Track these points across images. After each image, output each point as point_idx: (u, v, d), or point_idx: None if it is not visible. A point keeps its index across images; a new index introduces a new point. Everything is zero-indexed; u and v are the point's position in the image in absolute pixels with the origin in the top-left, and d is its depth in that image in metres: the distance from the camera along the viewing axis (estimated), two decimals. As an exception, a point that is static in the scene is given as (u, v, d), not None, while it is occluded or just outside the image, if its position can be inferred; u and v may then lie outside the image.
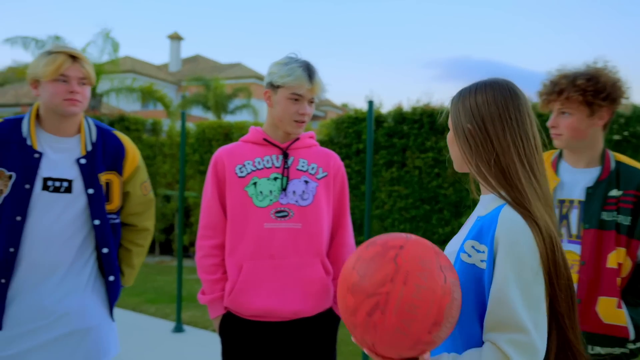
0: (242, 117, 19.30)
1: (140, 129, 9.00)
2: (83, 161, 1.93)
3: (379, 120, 6.52)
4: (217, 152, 2.07)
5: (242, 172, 2.00)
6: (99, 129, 2.02)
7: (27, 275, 1.88)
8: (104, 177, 1.97)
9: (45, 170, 1.89)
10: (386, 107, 7.59)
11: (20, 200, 1.85)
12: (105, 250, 1.97)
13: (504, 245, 1.13)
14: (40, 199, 1.87)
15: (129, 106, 14.76)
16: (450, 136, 1.32)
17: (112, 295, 2.03)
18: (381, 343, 1.07)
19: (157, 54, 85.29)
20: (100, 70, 11.52)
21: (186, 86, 25.79)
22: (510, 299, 1.10)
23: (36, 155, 1.88)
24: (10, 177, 1.86)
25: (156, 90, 13.29)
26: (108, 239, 1.98)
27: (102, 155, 1.98)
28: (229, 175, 2.01)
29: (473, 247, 1.19)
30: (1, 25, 72.65)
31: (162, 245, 9.33)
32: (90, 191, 1.92)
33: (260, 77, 26.75)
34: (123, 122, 8.80)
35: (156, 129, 9.23)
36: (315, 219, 2.01)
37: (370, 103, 3.93)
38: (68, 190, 1.91)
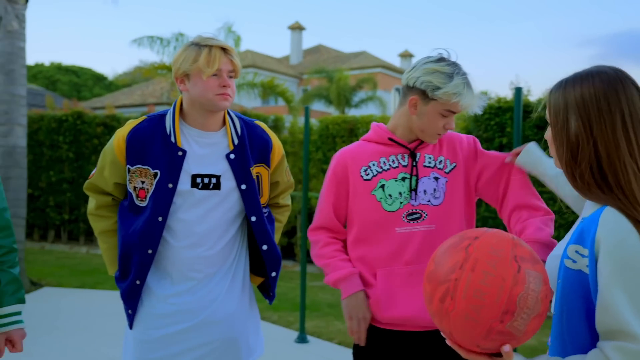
0: (367, 110, 19.41)
1: (261, 126, 9.39)
2: (232, 156, 1.99)
3: (527, 109, 6.16)
4: (339, 153, 2.09)
5: (367, 174, 2.01)
6: (243, 121, 2.07)
7: (167, 277, 1.99)
8: (254, 171, 2.02)
9: (193, 167, 1.95)
10: (535, 94, 7.14)
11: (163, 199, 1.92)
12: (265, 247, 2.04)
13: (606, 246, 1.14)
14: (188, 196, 1.94)
15: (250, 102, 15.52)
16: (549, 134, 1.32)
17: (273, 292, 2.16)
18: (455, 330, 1.17)
19: (277, 46, 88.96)
20: (222, 66, 12.25)
21: (308, 79, 26.50)
22: (615, 304, 1.11)
23: (180, 153, 1.94)
24: (155, 175, 1.94)
25: (277, 85, 13.82)
26: (267, 235, 2.05)
27: (250, 148, 2.03)
28: (354, 178, 2.02)
29: (577, 252, 1.20)
30: (129, 27, 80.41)
31: (284, 249, 9.66)
32: (243, 187, 1.97)
33: (387, 66, 26.70)
34: (244, 119, 9.26)
35: (278, 126, 9.58)
36: (450, 218, 1.98)
37: (518, 90, 3.72)
38: (217, 186, 1.96)
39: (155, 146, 1.95)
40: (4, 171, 6.36)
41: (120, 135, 1.99)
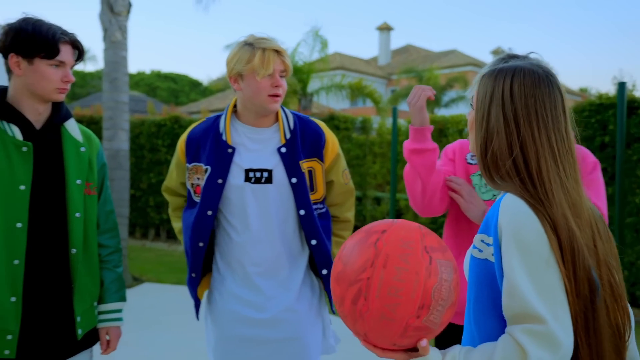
0: (457, 110, 18.98)
1: (349, 127, 9.44)
2: (284, 150, 2.04)
3: (632, 106, 5.77)
4: (451, 145, 2.10)
5: (472, 159, 2.01)
6: (297, 117, 2.13)
7: (232, 272, 2.07)
8: (305, 165, 2.05)
9: (246, 162, 2.04)
10: (641, 89, 6.65)
11: (212, 194, 2.02)
12: (314, 242, 2.06)
13: (508, 232, 1.14)
14: (242, 191, 2.02)
15: (338, 104, 15.65)
16: (472, 118, 1.31)
17: (329, 293, 2.09)
18: (371, 332, 1.12)
19: (365, 47, 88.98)
20: (310, 69, 12.44)
21: (397, 79, 26.33)
22: (520, 288, 1.11)
23: (229, 150, 2.03)
24: (206, 170, 2.05)
25: (365, 86, 13.82)
26: (316, 230, 2.05)
27: (302, 143, 2.07)
28: (458, 162, 2.03)
29: (482, 241, 1.21)
30: (221, 34, 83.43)
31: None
32: (294, 180, 2.01)
33: (478, 64, 25.97)
34: (333, 120, 9.33)
35: (366, 127, 9.59)
36: None
37: (621, 85, 3.50)
38: (269, 180, 2.02)
39: (207, 144, 2.06)
40: (109, 173, 6.82)
41: (182, 137, 2.15)
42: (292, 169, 2.02)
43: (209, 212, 2.03)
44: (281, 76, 2.02)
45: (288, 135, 2.06)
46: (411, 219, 7.68)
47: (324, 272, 2.08)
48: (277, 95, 2.00)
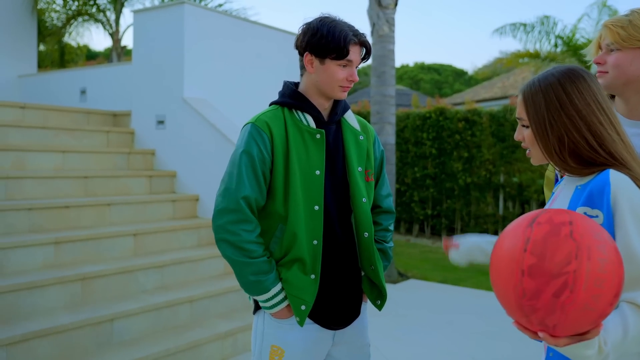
0: None
1: None
2: None
3: None
4: None
5: None
6: None
7: None
8: None
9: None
10: None
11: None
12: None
13: (624, 204, 1.34)
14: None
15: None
16: (529, 135, 1.51)
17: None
18: (566, 323, 1.16)
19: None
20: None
21: None
22: (639, 254, 1.32)
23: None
24: None
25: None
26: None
27: None
28: None
29: (586, 213, 1.36)
30: (488, 18, 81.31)
31: None
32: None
33: None
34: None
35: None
36: None
37: None
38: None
39: None
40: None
41: None
42: None
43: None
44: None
45: None
46: None
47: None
48: None
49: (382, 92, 7.37)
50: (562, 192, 1.54)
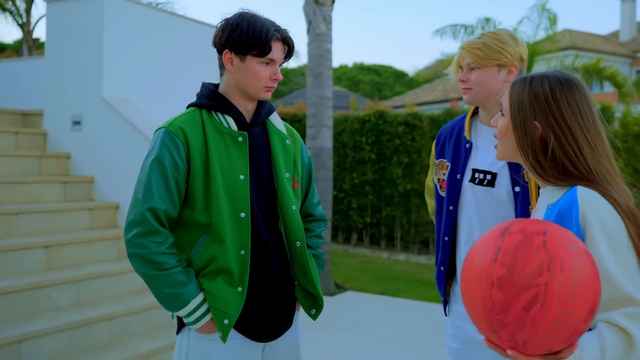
0: None
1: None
2: None
3: None
4: None
5: None
6: None
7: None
8: (528, 175, 2.11)
9: (475, 161, 2.21)
10: None
11: (452, 189, 2.22)
12: None
13: (594, 221, 1.32)
14: (467, 190, 2.20)
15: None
16: (503, 125, 1.51)
17: None
18: (536, 339, 1.15)
19: (602, 21, 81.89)
20: (534, 50, 11.75)
21: (644, 58, 23.74)
22: (613, 274, 1.28)
23: (467, 145, 2.22)
24: (448, 167, 2.26)
25: (604, 68, 12.67)
26: None
27: None
28: None
29: None
30: (429, 19, 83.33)
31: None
32: (517, 189, 2.09)
33: None
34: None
35: (606, 117, 8.77)
36: None
37: None
38: (490, 183, 2.14)
39: (451, 141, 2.30)
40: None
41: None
42: (516, 177, 2.09)
43: (451, 208, 2.24)
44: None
45: None
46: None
47: None
48: None
49: (318, 93, 7.39)
50: (536, 214, 1.55)
